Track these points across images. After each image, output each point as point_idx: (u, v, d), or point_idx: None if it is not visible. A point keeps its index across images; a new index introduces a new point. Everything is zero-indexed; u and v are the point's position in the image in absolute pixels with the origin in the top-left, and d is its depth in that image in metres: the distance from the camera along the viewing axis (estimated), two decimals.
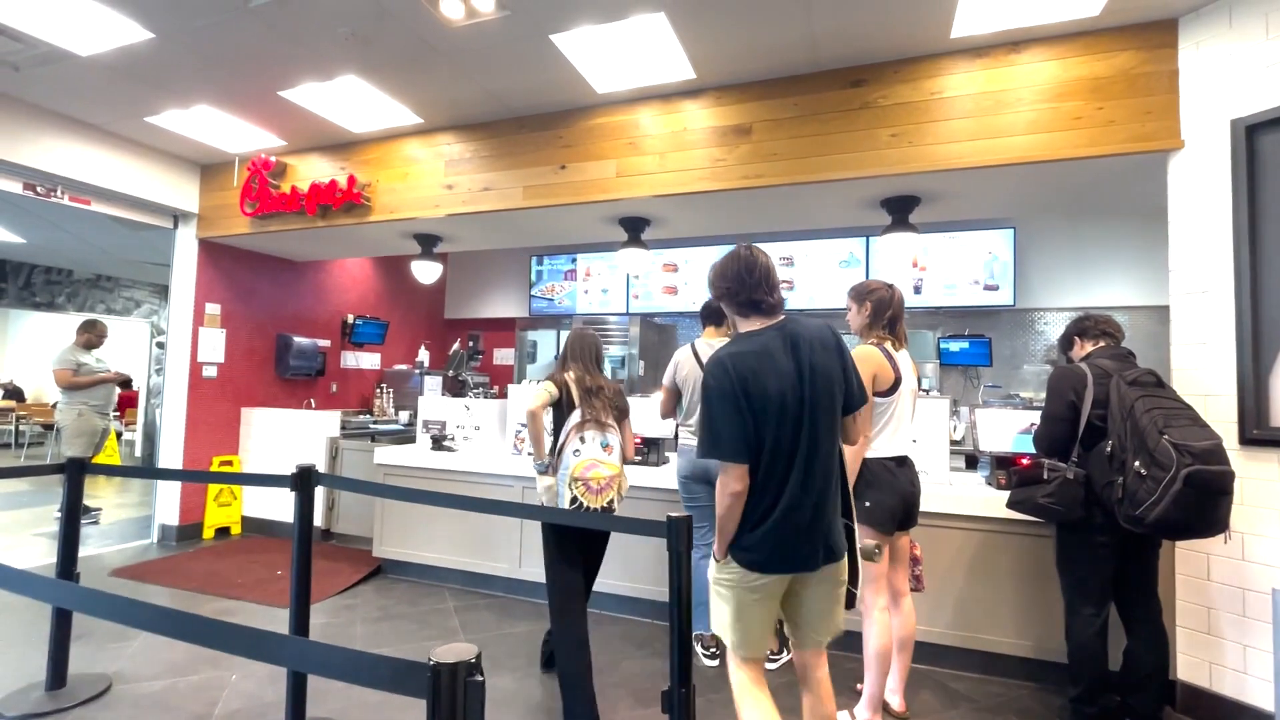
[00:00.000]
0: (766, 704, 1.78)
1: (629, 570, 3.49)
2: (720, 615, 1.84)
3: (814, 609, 1.81)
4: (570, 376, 2.66)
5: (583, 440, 2.54)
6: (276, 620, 3.43)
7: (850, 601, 1.88)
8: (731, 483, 1.68)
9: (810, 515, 1.70)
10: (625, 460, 2.71)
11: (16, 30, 3.09)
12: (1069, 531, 2.41)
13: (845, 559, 1.80)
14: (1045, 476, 2.39)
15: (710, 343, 3.07)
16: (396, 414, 6.22)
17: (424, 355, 6.77)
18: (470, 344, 6.10)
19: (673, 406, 3.17)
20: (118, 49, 3.25)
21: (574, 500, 2.51)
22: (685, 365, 3.06)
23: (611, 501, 2.55)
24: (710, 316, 3.15)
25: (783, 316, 1.81)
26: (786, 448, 1.68)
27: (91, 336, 5.25)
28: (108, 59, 3.36)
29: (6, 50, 3.29)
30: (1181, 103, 2.75)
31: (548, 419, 2.69)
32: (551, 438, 2.69)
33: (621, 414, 2.73)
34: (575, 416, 2.58)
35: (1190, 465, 1.99)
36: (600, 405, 2.62)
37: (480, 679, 0.77)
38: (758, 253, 1.81)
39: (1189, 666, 2.59)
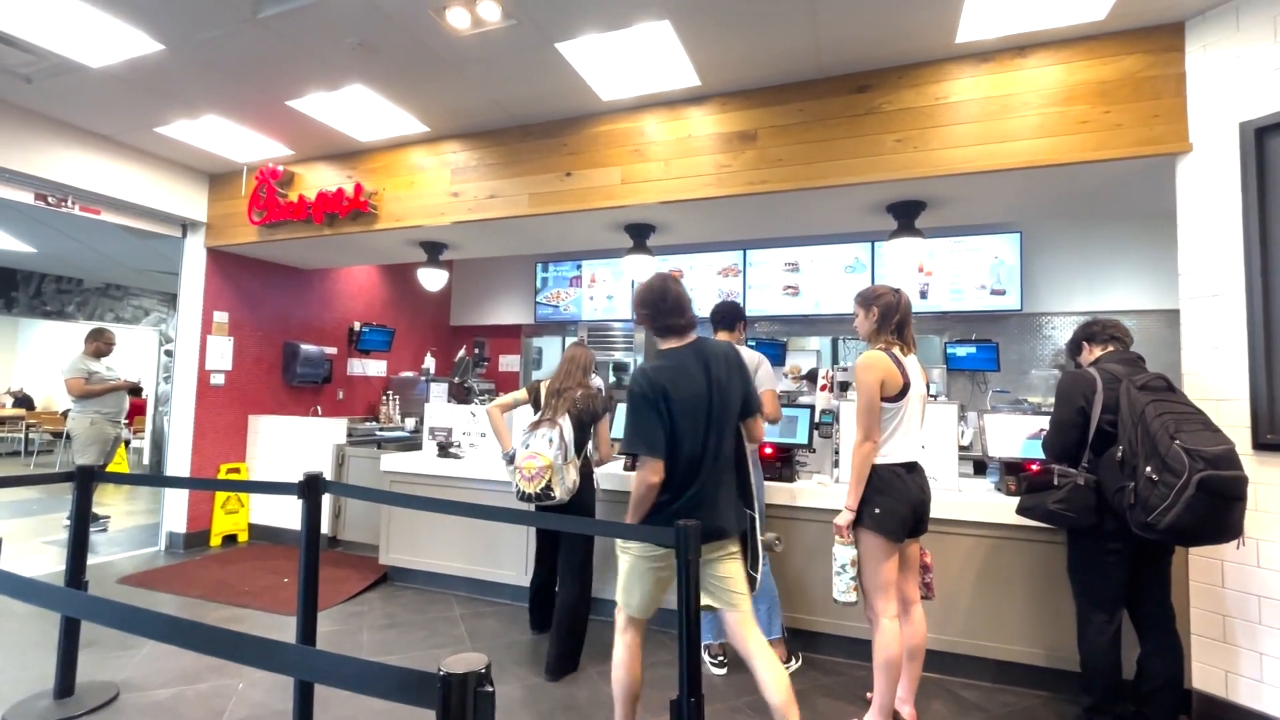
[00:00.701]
0: (637, 666, 2.13)
1: (610, 577, 3.47)
2: (622, 578, 2.17)
3: (715, 576, 2.09)
4: (544, 384, 3.13)
5: (533, 436, 2.87)
6: (283, 628, 3.43)
7: (751, 584, 2.14)
8: (649, 475, 2.00)
9: (709, 503, 2.03)
10: (601, 460, 3.15)
11: (29, 43, 3.14)
12: (1080, 538, 2.38)
13: (737, 536, 2.11)
14: (1056, 482, 2.37)
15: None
16: (403, 421, 6.23)
17: (430, 362, 6.78)
18: (476, 351, 6.11)
19: None
20: (128, 60, 3.29)
21: (515, 486, 2.86)
22: None
23: (547, 488, 2.77)
24: (722, 321, 3.12)
25: (694, 337, 2.14)
26: (697, 448, 2.03)
27: (100, 345, 5.28)
28: (118, 70, 3.40)
29: (19, 63, 3.34)
30: (1189, 106, 2.74)
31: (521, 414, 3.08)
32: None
33: (591, 416, 2.99)
34: (535, 416, 3.01)
35: (1203, 470, 1.97)
36: (557, 405, 2.94)
37: (490, 689, 0.77)
38: (669, 282, 2.14)
39: (1204, 675, 2.56)
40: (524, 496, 2.83)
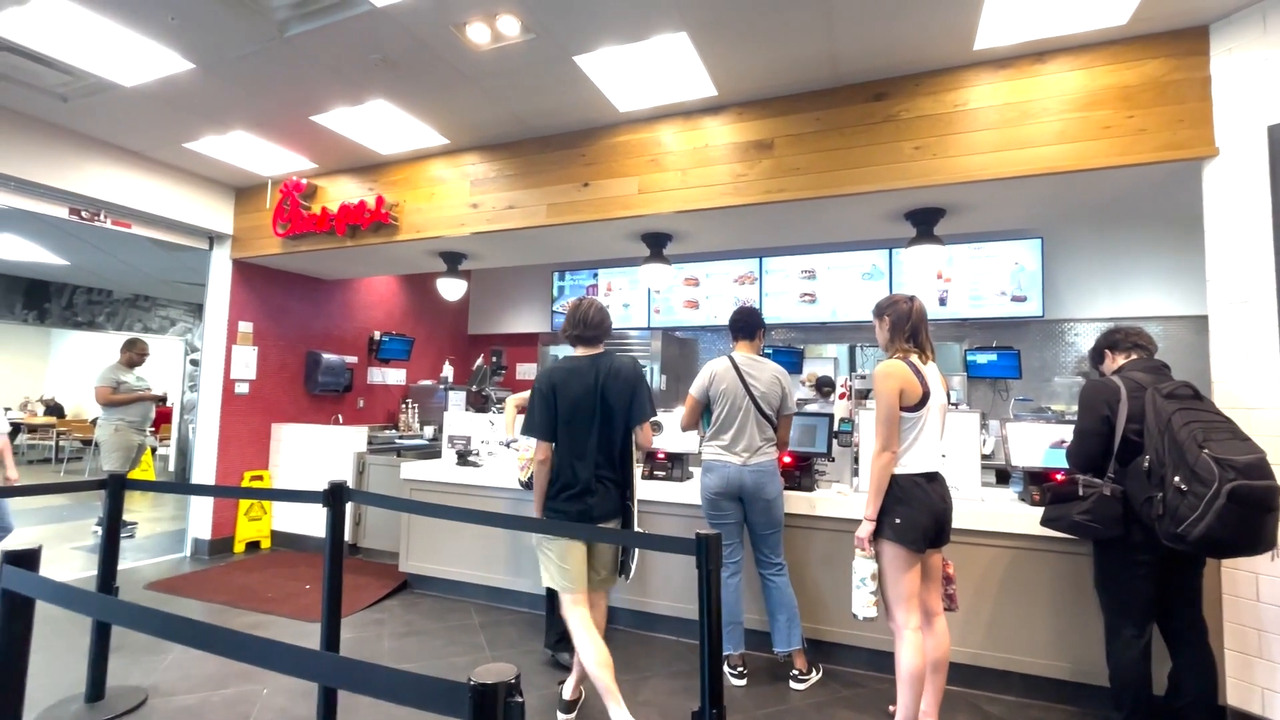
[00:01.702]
0: (596, 633, 2.42)
1: (653, 587, 3.47)
2: (548, 567, 2.48)
3: (593, 552, 2.53)
4: None
5: None
6: (306, 634, 3.47)
7: (623, 569, 2.56)
8: (538, 454, 2.49)
9: (586, 489, 2.45)
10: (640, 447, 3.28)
11: (66, 64, 3.24)
12: (1107, 549, 2.34)
13: (610, 520, 2.51)
14: (1080, 493, 2.33)
15: (751, 357, 3.02)
16: (421, 429, 6.29)
17: (448, 371, 6.85)
18: (494, 359, 6.16)
19: (696, 419, 3.10)
20: (160, 79, 3.39)
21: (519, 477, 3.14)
22: (725, 378, 2.97)
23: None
24: (743, 330, 3.08)
25: (601, 349, 2.58)
26: (578, 439, 2.46)
27: (133, 355, 5.42)
28: (150, 89, 3.50)
29: (56, 83, 3.45)
30: (1215, 109, 2.70)
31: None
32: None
33: None
34: None
35: (1233, 480, 1.92)
36: None
37: (520, 700, 0.78)
38: (585, 304, 2.57)
39: (1238, 691, 2.49)
40: (523, 484, 3.08)
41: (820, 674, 2.95)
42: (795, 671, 2.89)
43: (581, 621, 2.40)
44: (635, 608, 3.47)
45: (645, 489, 3.50)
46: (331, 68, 3.25)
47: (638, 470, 2.79)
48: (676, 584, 3.44)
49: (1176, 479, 2.04)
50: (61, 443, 10.21)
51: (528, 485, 3.02)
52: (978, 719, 2.67)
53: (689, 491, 3.43)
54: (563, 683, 2.70)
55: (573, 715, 2.59)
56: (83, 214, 4.32)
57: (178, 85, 3.46)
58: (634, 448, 2.57)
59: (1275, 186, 2.47)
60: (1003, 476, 3.71)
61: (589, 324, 2.55)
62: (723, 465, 2.93)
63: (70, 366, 11.79)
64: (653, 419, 2.60)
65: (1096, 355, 2.63)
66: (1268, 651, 2.42)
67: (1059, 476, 2.83)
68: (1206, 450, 1.99)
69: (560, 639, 3.05)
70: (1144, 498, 2.15)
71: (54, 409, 11.01)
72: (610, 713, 2.27)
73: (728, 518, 2.94)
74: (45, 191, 4.06)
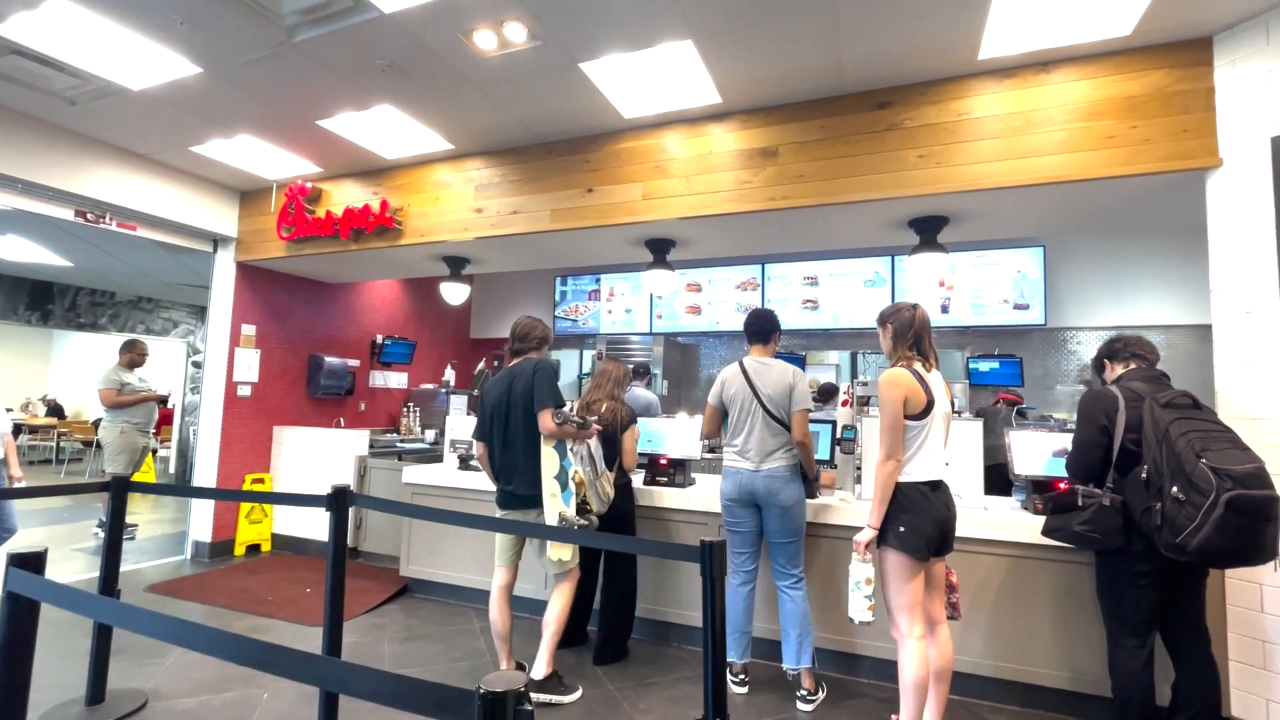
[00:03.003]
0: (506, 606, 2.92)
1: (654, 593, 3.46)
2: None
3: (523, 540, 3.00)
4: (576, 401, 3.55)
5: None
6: (307, 638, 3.47)
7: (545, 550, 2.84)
8: (476, 451, 3.06)
9: (506, 477, 2.89)
10: (626, 468, 3.31)
11: (76, 68, 3.26)
12: (1109, 559, 2.33)
13: (533, 510, 2.82)
14: (1080, 503, 2.32)
15: (760, 360, 2.97)
16: (423, 433, 6.29)
17: (450, 374, 6.86)
18: (495, 364, 6.17)
19: (714, 427, 3.07)
20: (167, 83, 3.41)
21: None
22: (733, 383, 2.96)
23: (584, 503, 2.99)
24: (757, 335, 3.03)
25: (521, 360, 2.95)
26: (496, 435, 2.91)
27: (134, 356, 5.42)
28: (158, 92, 3.52)
29: (65, 86, 3.47)
30: (1219, 120, 2.71)
31: None
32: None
33: (613, 429, 3.25)
34: None
35: (1231, 490, 1.92)
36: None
37: (530, 708, 0.77)
38: (521, 321, 3.01)
39: (1243, 703, 2.48)
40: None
41: (825, 693, 2.90)
42: (803, 691, 2.81)
43: (499, 592, 2.92)
44: (644, 616, 3.45)
45: (648, 495, 3.50)
46: (339, 73, 3.27)
47: (585, 466, 2.93)
48: (676, 590, 3.43)
49: (1174, 489, 2.03)
50: (62, 444, 10.21)
51: (578, 512, 2.90)
52: None
53: (693, 498, 3.42)
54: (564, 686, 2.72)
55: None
56: (88, 216, 4.34)
57: (185, 89, 3.47)
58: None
59: (1279, 197, 2.48)
60: (1000, 476, 3.50)
61: (517, 337, 3.00)
62: (735, 471, 2.91)
63: (72, 368, 11.80)
64: (555, 408, 2.77)
65: (1097, 365, 2.64)
66: (1272, 663, 2.42)
67: (1062, 485, 2.82)
68: (1204, 460, 1.99)
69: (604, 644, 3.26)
70: (1143, 508, 2.15)
71: (55, 410, 11.01)
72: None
73: (742, 525, 2.90)
74: (51, 193, 4.08)
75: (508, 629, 2.89)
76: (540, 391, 2.79)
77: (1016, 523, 2.84)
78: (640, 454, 3.48)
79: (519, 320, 3.02)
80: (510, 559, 2.95)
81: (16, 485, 3.75)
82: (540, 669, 2.76)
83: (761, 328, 3.03)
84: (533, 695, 2.66)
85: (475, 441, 3.02)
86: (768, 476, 2.83)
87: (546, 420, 2.75)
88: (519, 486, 2.84)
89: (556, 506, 2.74)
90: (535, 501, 2.80)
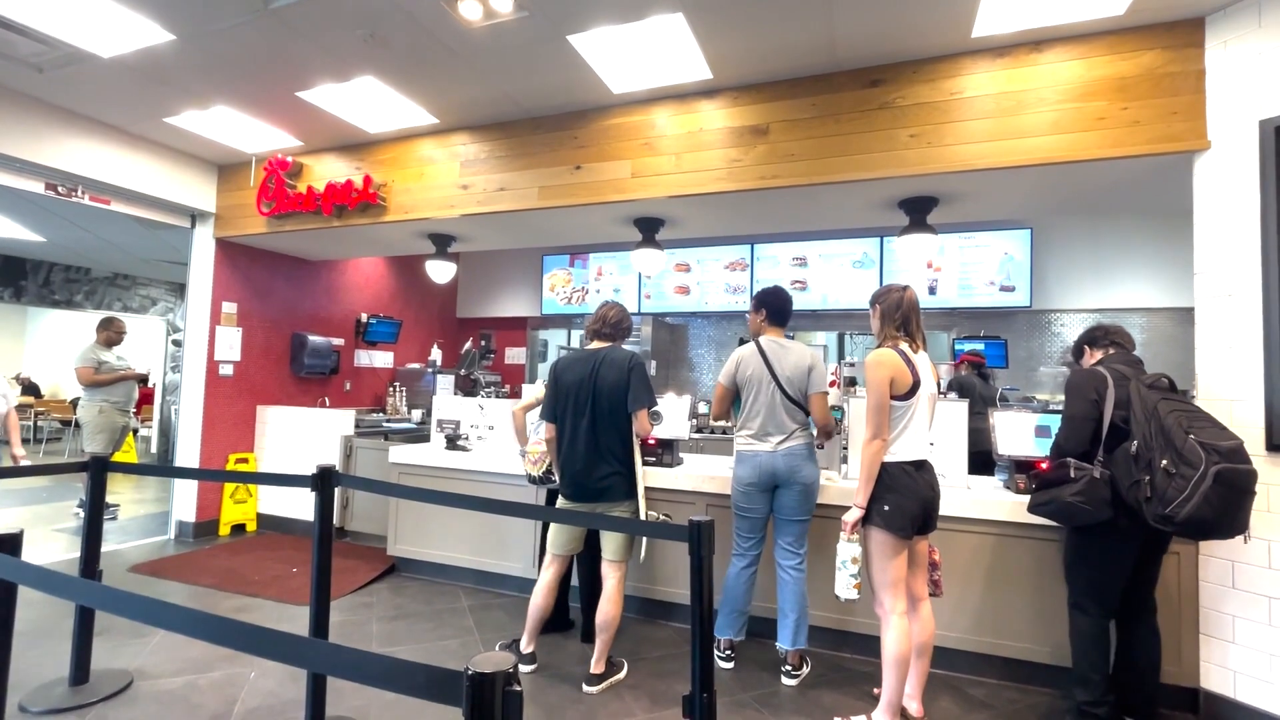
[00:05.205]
0: (553, 596, 2.93)
1: (642, 571, 3.49)
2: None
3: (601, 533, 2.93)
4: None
5: (542, 424, 3.07)
6: (293, 617, 3.46)
7: (629, 547, 2.85)
8: (545, 433, 2.94)
9: (582, 468, 2.77)
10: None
11: (41, 33, 3.13)
12: (1089, 533, 2.38)
13: (616, 504, 2.78)
14: (1072, 475, 2.36)
15: (778, 341, 2.93)
16: (409, 413, 6.25)
17: (436, 354, 6.80)
18: (482, 343, 6.13)
19: (725, 407, 3.03)
20: (139, 50, 3.28)
21: (526, 472, 3.23)
22: (750, 364, 2.91)
23: (548, 471, 3.08)
24: (778, 315, 3.00)
25: (608, 345, 2.90)
26: (572, 421, 2.80)
27: (110, 334, 5.30)
28: (129, 60, 3.39)
29: (31, 52, 3.33)
30: (1208, 103, 2.71)
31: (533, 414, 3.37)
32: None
33: None
34: None
35: (1219, 463, 2.00)
36: None
37: (518, 689, 0.77)
38: (614, 309, 2.96)
39: (1213, 675, 2.56)
40: (531, 479, 3.18)
41: (810, 667, 2.95)
42: (788, 666, 2.85)
43: (548, 575, 2.91)
44: (631, 593, 3.47)
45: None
46: (319, 42, 3.17)
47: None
48: (663, 568, 3.46)
49: (1164, 462, 2.10)
50: (40, 423, 10.04)
51: (534, 480, 3.17)
52: (960, 701, 2.72)
53: (680, 477, 3.44)
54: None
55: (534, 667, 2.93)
56: (59, 189, 4.20)
57: (158, 57, 3.35)
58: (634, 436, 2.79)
59: (1265, 181, 2.49)
60: (983, 456, 3.50)
61: (605, 322, 2.94)
62: (753, 454, 2.86)
63: (48, 346, 11.55)
64: (652, 408, 2.80)
65: (1077, 351, 2.73)
66: (1241, 636, 2.49)
67: (1045, 465, 2.86)
68: (1193, 436, 2.08)
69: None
70: (1130, 481, 2.20)
71: (30, 388, 10.80)
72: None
73: (755, 511, 2.87)
74: (20, 165, 3.94)
75: (547, 614, 2.94)
76: (639, 390, 2.78)
77: (999, 501, 2.88)
78: None
79: (611, 306, 2.97)
80: (570, 548, 2.92)
81: (21, 464, 3.66)
82: (600, 668, 2.79)
83: (783, 309, 3.00)
84: (596, 688, 2.71)
85: (544, 423, 2.92)
86: (788, 454, 2.80)
87: (644, 421, 2.77)
88: (600, 483, 2.77)
89: (644, 504, 2.80)
90: (613, 495, 2.76)
